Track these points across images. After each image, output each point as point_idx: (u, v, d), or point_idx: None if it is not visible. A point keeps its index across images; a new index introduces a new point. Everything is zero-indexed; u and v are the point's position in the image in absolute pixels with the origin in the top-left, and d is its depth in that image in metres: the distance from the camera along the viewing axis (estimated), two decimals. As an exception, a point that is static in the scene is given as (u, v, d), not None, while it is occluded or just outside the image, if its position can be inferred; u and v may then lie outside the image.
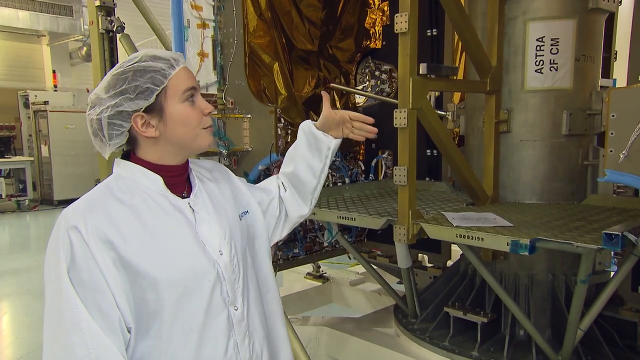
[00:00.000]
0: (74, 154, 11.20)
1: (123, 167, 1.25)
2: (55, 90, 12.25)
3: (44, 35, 12.45)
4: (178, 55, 1.26)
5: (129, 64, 1.19)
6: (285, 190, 1.61)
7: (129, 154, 1.27)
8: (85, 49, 12.81)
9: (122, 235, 1.12)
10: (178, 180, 1.28)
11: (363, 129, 1.60)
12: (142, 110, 1.18)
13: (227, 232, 1.29)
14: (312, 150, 1.57)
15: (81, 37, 12.42)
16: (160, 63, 1.19)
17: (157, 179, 1.23)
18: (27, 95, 11.48)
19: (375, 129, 1.63)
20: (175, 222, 1.21)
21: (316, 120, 1.61)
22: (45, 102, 11.12)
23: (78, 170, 11.21)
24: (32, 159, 11.36)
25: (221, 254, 1.25)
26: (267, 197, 1.56)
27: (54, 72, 12.57)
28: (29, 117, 11.50)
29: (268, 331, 1.40)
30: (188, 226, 1.23)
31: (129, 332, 1.13)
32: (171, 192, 1.24)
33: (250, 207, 1.46)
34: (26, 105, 11.51)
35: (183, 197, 1.27)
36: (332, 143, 1.57)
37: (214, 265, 1.23)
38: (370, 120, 1.61)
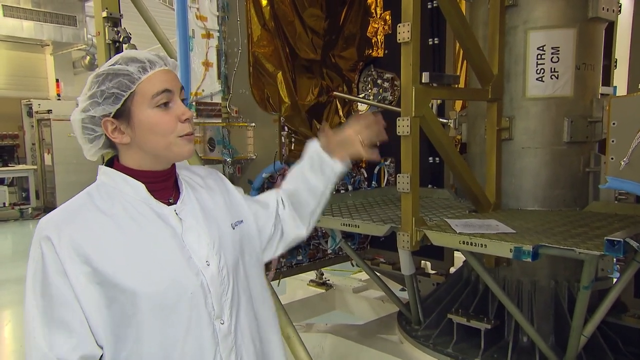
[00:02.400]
0: (76, 162, 11.22)
1: (105, 174, 1.20)
2: (59, 99, 12.31)
3: (48, 45, 12.54)
4: (156, 57, 1.18)
5: (106, 66, 1.16)
6: (284, 207, 1.51)
7: (113, 160, 1.23)
8: (88, 58, 12.90)
9: (99, 247, 1.08)
10: (162, 186, 1.21)
11: (371, 128, 1.45)
12: (111, 115, 1.14)
13: (216, 241, 1.23)
14: (315, 172, 1.48)
15: (84, 46, 12.51)
16: (133, 66, 1.13)
17: (139, 186, 1.17)
18: (31, 104, 11.54)
19: (384, 128, 1.51)
20: (157, 231, 1.15)
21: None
22: (49, 111, 11.17)
23: (81, 178, 11.20)
24: (35, 167, 11.40)
25: (208, 265, 1.19)
26: (263, 211, 1.47)
27: (57, 81, 12.64)
28: (32, 126, 11.56)
29: (262, 346, 1.33)
30: (172, 235, 1.17)
31: (101, 348, 1.10)
32: (156, 198, 1.18)
33: (245, 217, 1.38)
34: (29, 114, 11.57)
35: (170, 204, 1.21)
36: (337, 166, 1.47)
37: (197, 276, 1.17)
38: (376, 118, 1.48)
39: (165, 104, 1.15)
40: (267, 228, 1.47)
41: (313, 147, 1.52)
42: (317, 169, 1.48)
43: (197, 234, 1.21)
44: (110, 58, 2.73)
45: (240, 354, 1.24)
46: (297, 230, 1.53)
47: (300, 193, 1.51)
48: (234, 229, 1.32)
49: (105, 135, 1.17)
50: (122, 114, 1.14)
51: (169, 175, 1.24)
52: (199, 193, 1.29)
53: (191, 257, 1.18)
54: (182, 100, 1.21)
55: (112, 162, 1.23)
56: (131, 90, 1.13)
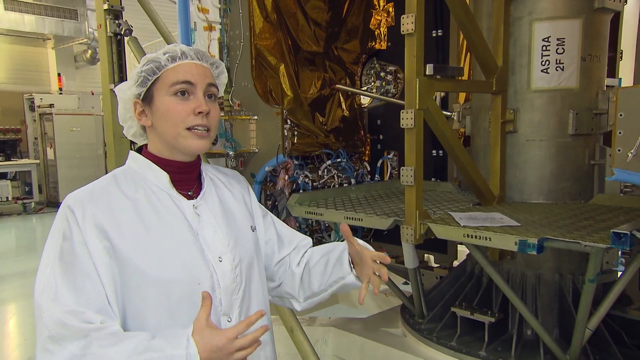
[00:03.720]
0: (79, 157, 11.25)
1: (133, 160, 1.25)
2: (61, 94, 12.30)
3: (49, 39, 12.51)
4: (194, 51, 1.22)
5: (153, 54, 1.23)
6: (298, 266, 1.44)
7: (142, 148, 1.27)
8: (90, 52, 12.86)
9: (118, 226, 1.11)
10: (184, 178, 1.24)
11: (380, 271, 1.28)
12: (140, 97, 1.21)
13: (232, 240, 1.24)
14: (334, 268, 1.37)
15: (86, 40, 12.47)
16: (166, 55, 1.20)
17: (163, 175, 1.21)
18: (33, 98, 11.55)
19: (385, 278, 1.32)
20: (175, 221, 1.18)
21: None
22: (51, 105, 11.17)
23: (83, 172, 11.24)
24: (37, 161, 11.41)
25: (220, 261, 1.20)
26: (277, 244, 1.43)
27: (59, 75, 12.62)
28: (34, 120, 11.57)
29: (265, 349, 1.31)
30: (188, 228, 1.19)
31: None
32: (177, 189, 1.22)
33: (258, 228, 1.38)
34: (32, 108, 11.57)
35: (190, 197, 1.24)
36: (347, 277, 1.35)
37: (208, 270, 1.18)
38: (387, 260, 1.33)
39: (183, 94, 1.18)
40: (271, 259, 1.43)
41: (343, 249, 1.39)
42: (340, 265, 1.37)
43: (213, 230, 1.23)
44: (111, 51, 2.73)
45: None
46: (293, 291, 1.44)
47: (315, 271, 1.41)
48: (253, 231, 1.34)
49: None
50: (147, 98, 1.21)
51: (192, 168, 1.27)
52: (221, 191, 1.32)
53: (204, 251, 1.20)
54: (211, 97, 1.22)
55: (141, 150, 1.27)
56: (157, 76, 1.19)
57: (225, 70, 1.32)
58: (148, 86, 1.20)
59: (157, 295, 1.12)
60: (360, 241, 1.37)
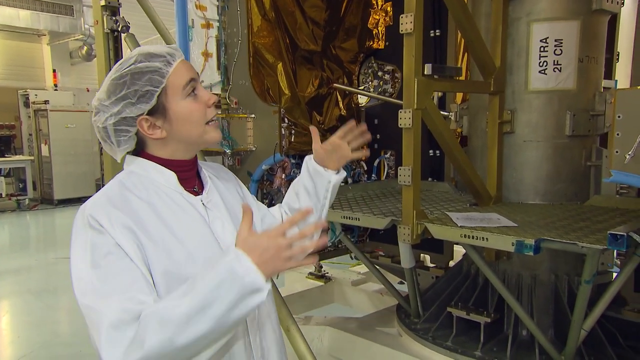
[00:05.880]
0: (74, 153, 11.21)
1: (136, 164, 1.23)
2: (56, 90, 12.25)
3: (45, 35, 12.46)
4: (173, 49, 1.21)
5: (126, 67, 1.16)
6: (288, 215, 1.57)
7: (139, 151, 1.25)
8: (85, 48, 12.81)
9: (146, 229, 1.11)
10: (189, 175, 1.27)
11: (353, 132, 1.55)
12: (145, 113, 1.16)
13: (236, 230, 1.25)
14: (314, 184, 1.54)
15: (81, 36, 12.43)
16: (157, 62, 1.16)
17: (171, 176, 1.22)
18: (28, 94, 11.49)
19: (366, 129, 1.60)
20: (191, 218, 1.21)
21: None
22: (46, 102, 11.12)
23: (78, 169, 11.21)
24: (32, 158, 11.36)
25: None
26: (270, 216, 1.54)
27: (54, 71, 12.58)
28: (29, 116, 11.51)
29: (280, 333, 1.39)
30: (203, 223, 1.22)
31: None
32: (183, 187, 1.24)
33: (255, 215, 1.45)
34: (26, 104, 11.51)
35: (195, 193, 1.27)
36: (332, 178, 1.54)
37: None
38: (352, 123, 1.57)
39: (193, 92, 1.19)
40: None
41: (309, 161, 1.58)
42: (315, 182, 1.54)
43: (221, 223, 1.26)
44: (108, 47, 2.71)
45: (264, 336, 1.30)
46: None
47: (302, 204, 1.55)
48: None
49: (136, 133, 1.20)
50: (157, 110, 1.16)
51: (193, 165, 1.29)
52: (218, 185, 1.35)
53: (219, 244, 1.23)
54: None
55: (138, 153, 1.24)
56: (162, 85, 1.15)
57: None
58: (155, 98, 1.15)
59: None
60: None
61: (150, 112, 1.16)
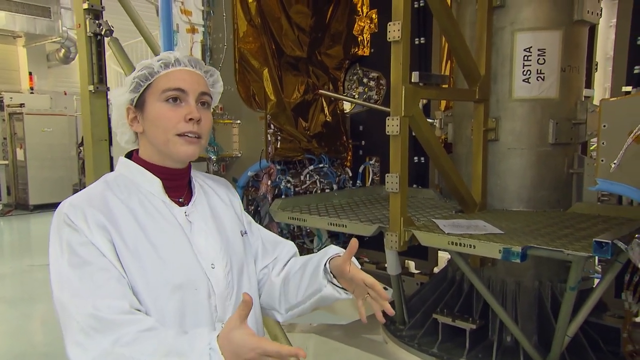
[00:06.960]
0: (50, 158, 10.94)
1: (124, 166, 1.24)
2: (32, 93, 11.97)
3: (20, 37, 12.17)
4: (189, 59, 1.23)
5: (148, 60, 1.24)
6: (278, 276, 1.38)
7: (132, 153, 1.26)
8: (63, 50, 12.55)
9: (120, 230, 1.11)
10: (175, 185, 1.24)
11: (377, 300, 1.21)
12: (133, 103, 1.20)
13: (223, 246, 1.25)
14: (310, 279, 1.31)
15: (59, 39, 12.17)
16: (160, 62, 1.20)
17: (155, 182, 1.20)
18: (2, 97, 11.19)
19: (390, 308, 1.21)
20: (170, 227, 1.18)
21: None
22: (21, 105, 10.85)
23: (55, 174, 10.95)
24: (6, 162, 11.05)
25: (213, 268, 1.21)
26: (262, 253, 1.40)
27: (30, 74, 12.29)
28: (3, 120, 11.21)
29: None
30: (182, 234, 1.19)
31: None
32: (168, 196, 1.21)
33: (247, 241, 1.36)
34: (1, 107, 11.22)
35: (181, 204, 1.23)
36: (324, 289, 1.27)
37: (205, 277, 1.19)
38: (386, 296, 1.22)
39: (175, 100, 1.18)
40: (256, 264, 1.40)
41: (330, 257, 1.31)
42: (313, 279, 1.31)
43: (205, 236, 1.23)
44: (91, 51, 2.65)
45: None
46: (271, 301, 1.40)
47: (294, 282, 1.35)
48: (242, 236, 1.34)
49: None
50: (139, 104, 1.20)
51: (183, 175, 1.26)
52: (210, 197, 1.32)
53: (198, 257, 1.19)
54: (204, 105, 1.21)
55: (131, 155, 1.26)
56: (149, 82, 1.19)
57: (221, 79, 1.30)
58: (140, 92, 1.19)
59: (152, 299, 1.10)
60: (355, 260, 1.27)
61: (136, 105, 1.20)
